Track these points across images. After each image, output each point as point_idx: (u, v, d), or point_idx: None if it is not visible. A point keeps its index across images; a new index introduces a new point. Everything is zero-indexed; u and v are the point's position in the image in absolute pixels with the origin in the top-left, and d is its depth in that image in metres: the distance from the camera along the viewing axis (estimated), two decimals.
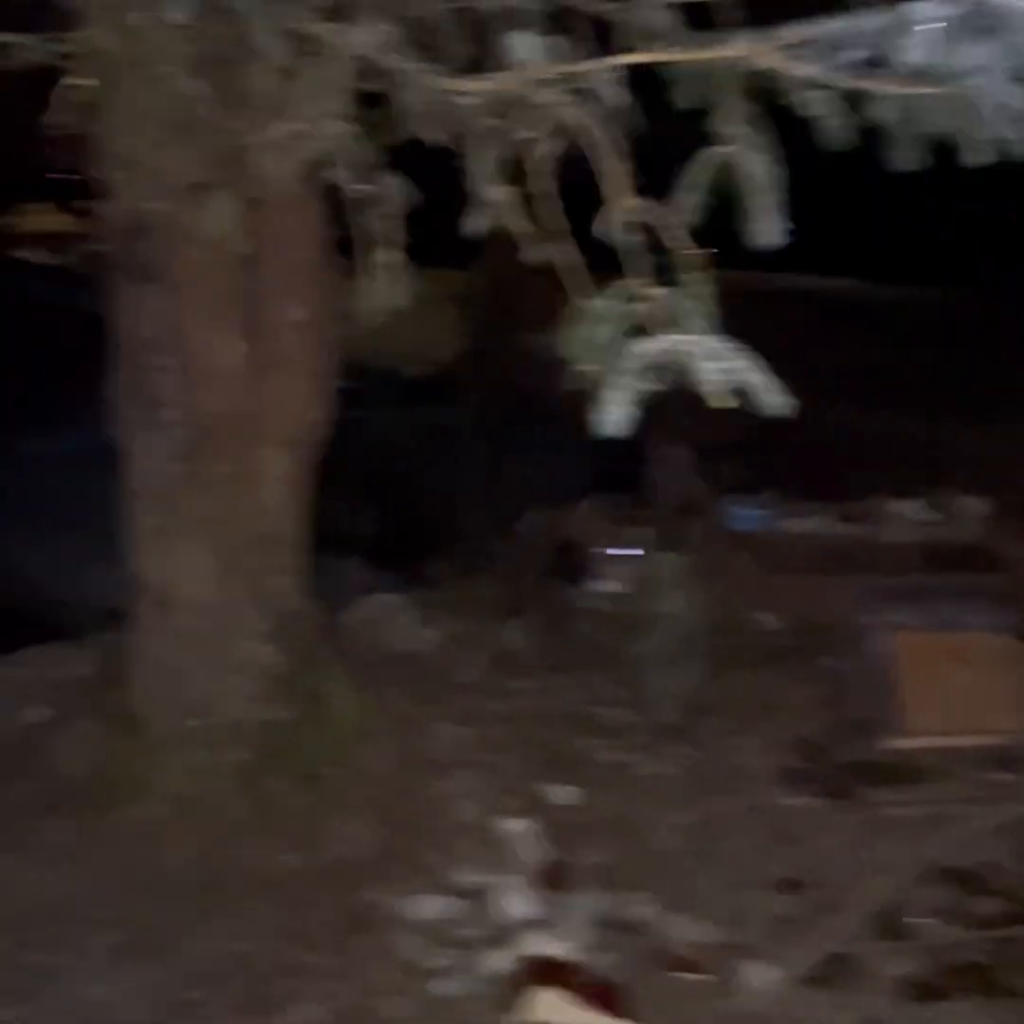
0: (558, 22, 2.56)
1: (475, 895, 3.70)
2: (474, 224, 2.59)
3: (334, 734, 4.08)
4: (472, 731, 4.49)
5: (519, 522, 6.27)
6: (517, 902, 3.64)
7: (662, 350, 2.05)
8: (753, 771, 4.45)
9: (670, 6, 2.61)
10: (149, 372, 3.62)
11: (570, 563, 5.46)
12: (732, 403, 2.01)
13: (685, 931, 3.63)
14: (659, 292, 2.16)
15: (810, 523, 5.97)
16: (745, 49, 2.16)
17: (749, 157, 2.25)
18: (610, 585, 5.28)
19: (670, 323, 2.11)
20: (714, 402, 1.99)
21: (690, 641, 4.74)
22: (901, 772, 4.43)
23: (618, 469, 6.17)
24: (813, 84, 2.20)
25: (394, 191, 2.84)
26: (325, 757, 4.01)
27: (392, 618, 5.52)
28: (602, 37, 2.62)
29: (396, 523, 7.94)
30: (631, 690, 4.78)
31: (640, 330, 2.13)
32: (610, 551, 5.33)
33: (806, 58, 2.13)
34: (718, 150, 2.27)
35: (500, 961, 3.43)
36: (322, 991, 3.34)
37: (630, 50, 2.38)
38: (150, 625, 3.93)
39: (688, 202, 2.27)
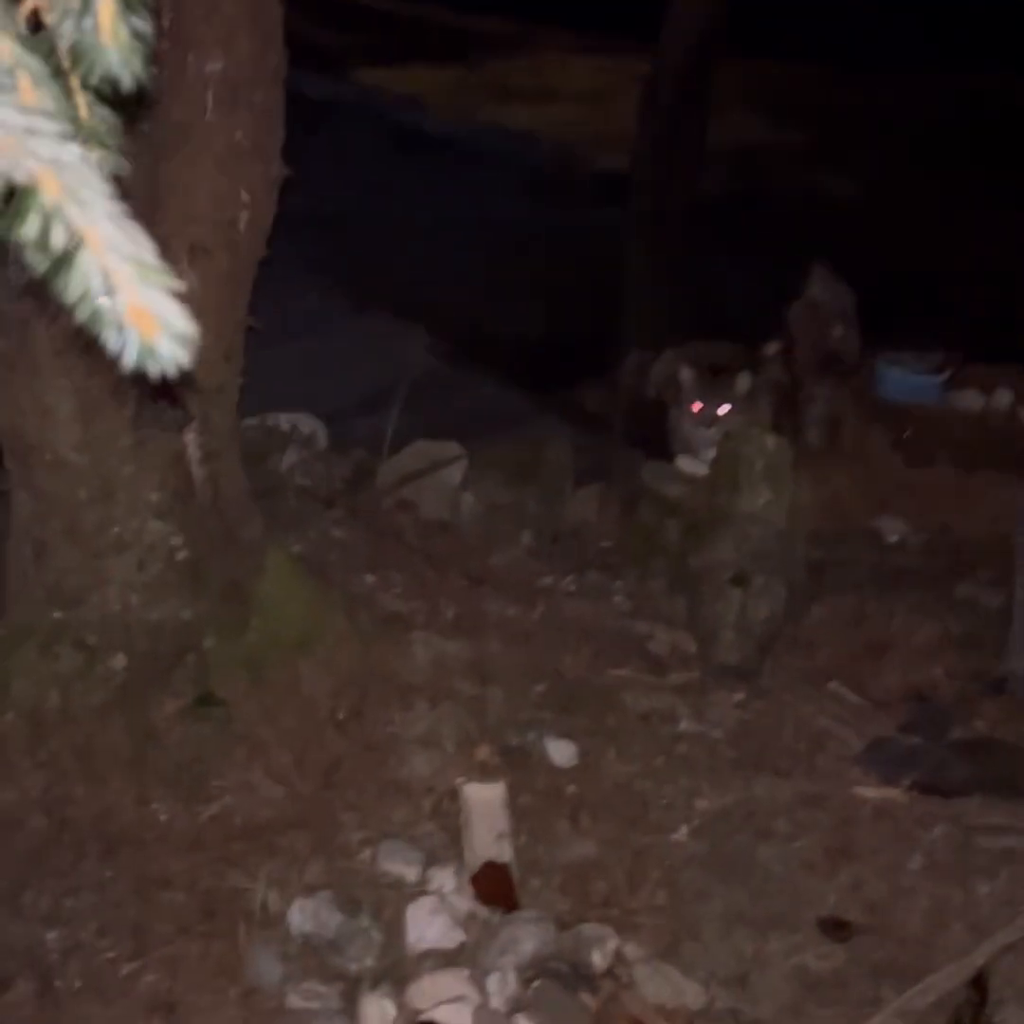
0: None
1: (383, 898, 2.70)
2: None
3: (256, 643, 3.08)
4: (464, 646, 3.43)
5: (624, 362, 5.08)
6: (432, 922, 2.62)
7: None
8: (828, 740, 3.28)
9: None
10: None
11: (650, 427, 4.26)
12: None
13: (665, 989, 2.57)
14: None
15: (991, 399, 4.57)
16: None
17: None
18: (697, 464, 4.07)
19: None
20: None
21: (777, 552, 3.55)
22: None
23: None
24: None
25: None
26: (235, 674, 3.03)
27: (434, 475, 4.47)
28: None
29: (553, 336, 7.00)
30: (692, 610, 3.64)
31: None
32: (704, 416, 4.08)
33: None
34: None
35: (377, 1011, 2.44)
36: None
37: None
38: (16, 483, 2.97)
39: None
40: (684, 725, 3.29)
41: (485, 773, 3.01)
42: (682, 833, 2.97)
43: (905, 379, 4.46)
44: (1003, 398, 4.45)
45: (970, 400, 4.46)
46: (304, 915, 2.59)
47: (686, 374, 4.07)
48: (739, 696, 3.40)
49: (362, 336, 7.02)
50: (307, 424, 4.68)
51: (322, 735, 3.05)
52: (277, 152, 2.88)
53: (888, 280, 6.27)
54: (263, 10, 2.73)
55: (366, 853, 2.80)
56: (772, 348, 4.58)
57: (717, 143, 8.21)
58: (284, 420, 4.65)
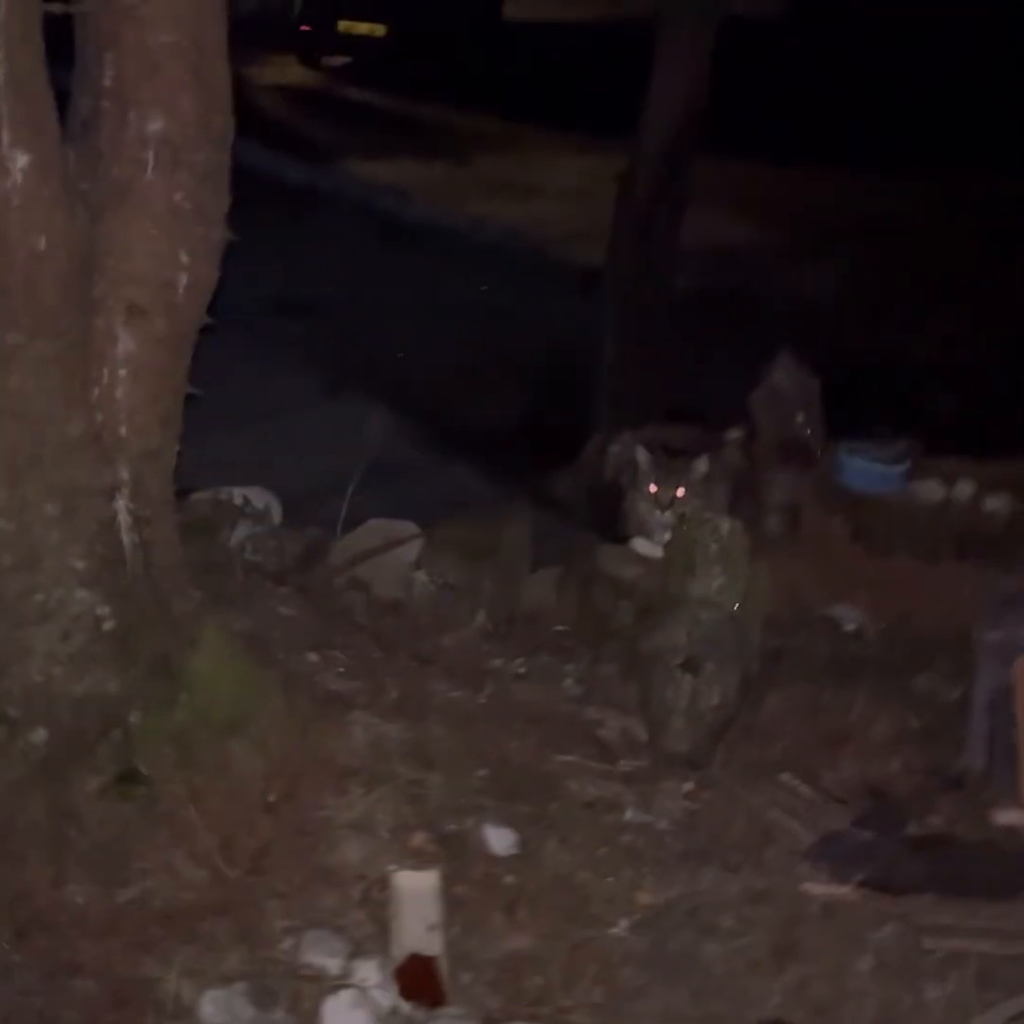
0: None
1: (301, 990, 2.56)
2: None
3: (185, 721, 2.97)
4: (406, 728, 3.32)
5: (586, 447, 5.04)
6: (351, 1017, 2.48)
7: None
8: (779, 833, 3.16)
9: None
10: None
11: (607, 510, 4.20)
12: None
13: None
14: None
15: (953, 489, 4.50)
16: None
17: None
18: (652, 547, 4.00)
19: None
20: None
21: (730, 638, 3.46)
22: (996, 868, 3.09)
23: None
24: None
25: None
26: (162, 752, 2.91)
27: (388, 554, 4.37)
28: None
29: (528, 424, 6.99)
30: (643, 696, 3.54)
31: None
32: (660, 498, 4.01)
33: None
34: None
35: None
36: None
37: None
38: None
39: None
40: (630, 815, 3.17)
41: (420, 861, 2.90)
42: (622, 928, 2.84)
43: (866, 468, 4.41)
44: (964, 489, 4.40)
45: (931, 491, 4.41)
46: (216, 1007, 2.46)
47: (643, 456, 4.01)
48: (689, 786, 3.30)
49: (333, 420, 6.98)
50: (260, 498, 4.60)
51: (251, 818, 2.93)
52: (221, 216, 2.83)
53: (856, 373, 6.29)
54: (208, 72, 2.69)
55: (289, 942, 2.67)
56: (734, 434, 4.53)
57: (695, 241, 8.29)
58: (237, 494, 4.57)
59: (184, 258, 2.76)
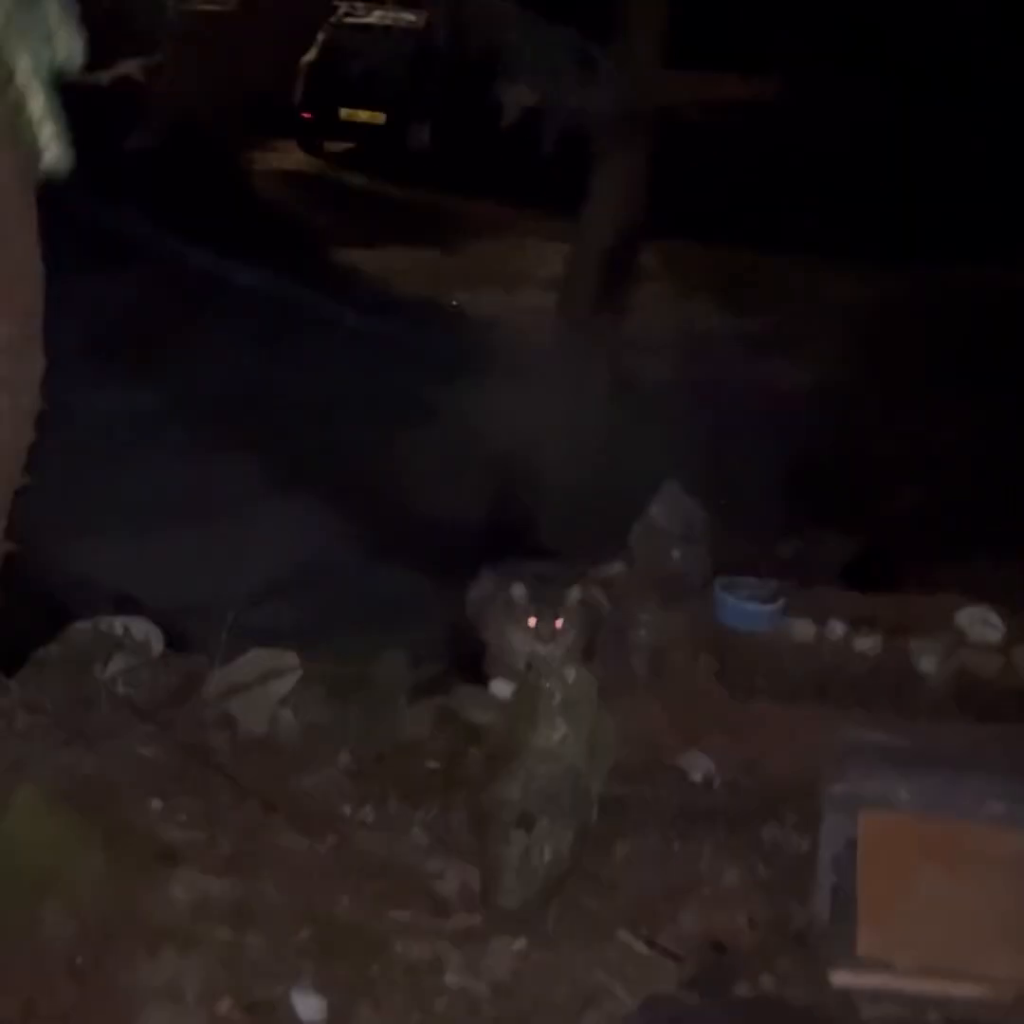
0: None
1: None
2: None
3: None
4: (234, 885, 3.29)
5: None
6: None
7: None
8: (603, 997, 3.12)
9: None
10: None
11: (469, 652, 4.20)
12: None
13: None
14: None
15: (824, 628, 4.47)
16: None
17: None
18: (511, 689, 3.99)
19: None
20: None
21: (567, 792, 3.43)
22: None
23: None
24: None
25: None
26: None
27: (259, 688, 4.35)
28: None
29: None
30: (480, 850, 3.50)
31: None
32: (539, 631, 4.02)
33: None
34: None
35: None
36: None
37: None
38: None
39: None
40: (450, 978, 3.13)
41: None
42: None
43: (738, 606, 4.40)
44: (836, 629, 4.39)
45: (803, 629, 4.39)
46: None
47: (518, 590, 4.00)
48: (520, 944, 3.26)
49: (272, 521, 7.00)
50: (141, 629, 4.59)
51: (54, 983, 2.90)
52: (30, 384, 2.85)
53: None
54: (11, 246, 2.72)
55: None
56: (613, 568, 4.54)
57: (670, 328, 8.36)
58: (118, 624, 4.57)
59: None
